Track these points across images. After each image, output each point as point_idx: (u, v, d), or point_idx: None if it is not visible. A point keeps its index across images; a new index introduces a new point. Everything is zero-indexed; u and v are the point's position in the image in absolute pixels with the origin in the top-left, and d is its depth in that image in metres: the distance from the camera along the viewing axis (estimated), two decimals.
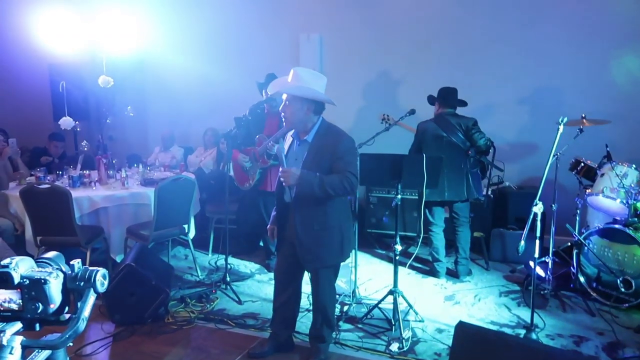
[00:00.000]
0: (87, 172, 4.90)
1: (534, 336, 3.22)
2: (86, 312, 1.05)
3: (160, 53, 6.41)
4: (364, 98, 5.86)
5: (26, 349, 1.00)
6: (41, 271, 1.06)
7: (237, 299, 4.01)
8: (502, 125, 5.32)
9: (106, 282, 1.09)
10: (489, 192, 4.97)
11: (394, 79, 5.63)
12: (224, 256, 4.35)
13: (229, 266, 4.38)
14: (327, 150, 2.80)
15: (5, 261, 1.05)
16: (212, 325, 3.59)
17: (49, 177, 4.83)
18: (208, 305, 3.90)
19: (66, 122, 4.95)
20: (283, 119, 2.91)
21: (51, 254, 1.16)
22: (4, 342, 0.97)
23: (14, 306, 1.04)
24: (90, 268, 1.08)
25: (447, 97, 4.30)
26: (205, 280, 4.48)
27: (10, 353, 0.97)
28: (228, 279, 4.21)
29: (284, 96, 2.88)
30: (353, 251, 3.87)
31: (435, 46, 5.55)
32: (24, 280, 1.02)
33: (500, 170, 4.67)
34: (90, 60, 5.41)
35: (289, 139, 3.03)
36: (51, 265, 1.13)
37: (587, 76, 5.03)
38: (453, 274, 4.48)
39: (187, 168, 5.81)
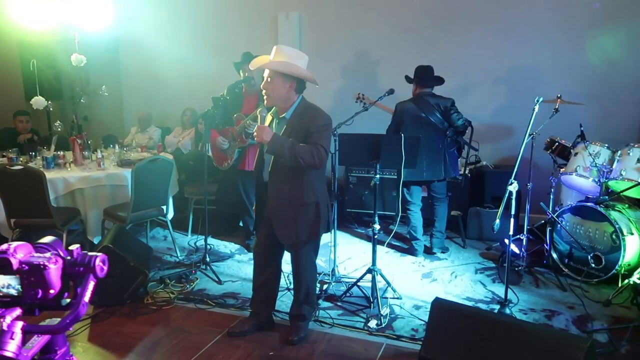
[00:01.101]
0: (62, 153, 4.80)
1: (507, 311, 3.31)
2: (86, 297, 1.05)
3: (136, 31, 6.26)
4: (343, 77, 5.84)
5: (26, 334, 1.00)
6: (40, 257, 1.05)
7: (217, 279, 4.02)
8: (479, 105, 5.38)
9: (106, 268, 1.09)
10: (466, 172, 5.04)
11: (373, 58, 5.61)
12: (203, 237, 4.34)
13: (208, 247, 4.38)
14: (303, 126, 2.81)
15: (3, 247, 1.04)
16: (192, 306, 3.59)
17: (21, 159, 4.72)
18: (188, 286, 3.90)
19: (38, 101, 4.82)
20: (264, 96, 2.89)
21: (48, 239, 1.15)
22: (4, 327, 0.97)
23: (13, 292, 1.04)
24: (90, 253, 1.07)
25: (423, 77, 4.32)
26: (185, 261, 4.47)
27: (11, 338, 0.96)
28: (208, 259, 4.21)
29: (266, 73, 2.86)
30: (332, 230, 3.92)
31: (414, 26, 5.54)
32: (23, 265, 1.01)
33: (475, 150, 4.73)
34: (63, 37, 5.24)
35: (268, 117, 3.02)
36: (50, 251, 1.11)
37: (564, 57, 5.09)
38: (429, 251, 4.57)
39: (164, 149, 5.74)
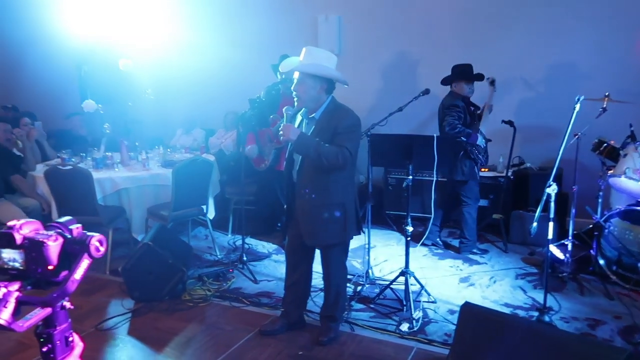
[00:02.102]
0: (110, 154, 5.03)
1: (547, 319, 3.18)
2: (77, 274, 1.10)
3: (180, 35, 6.46)
4: (382, 79, 5.80)
5: (22, 305, 1.06)
6: (42, 234, 1.11)
7: (252, 278, 4.09)
8: (522, 105, 5.20)
9: (102, 248, 1.13)
10: (509, 174, 4.88)
11: (412, 58, 5.54)
12: (242, 236, 4.43)
13: (247, 246, 4.46)
14: (330, 127, 2.81)
15: (12, 222, 1.11)
16: (227, 304, 3.67)
17: (73, 159, 4.97)
18: (224, 284, 3.99)
19: (89, 104, 5.08)
20: (295, 98, 2.92)
21: (64, 218, 1.20)
22: (0, 296, 1.04)
23: (18, 265, 1.10)
24: (88, 233, 1.12)
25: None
26: (223, 260, 4.57)
27: (4, 307, 1.02)
28: (245, 258, 4.29)
29: (296, 75, 2.89)
30: (367, 231, 3.90)
31: (454, 25, 5.42)
32: (25, 241, 1.08)
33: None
34: (113, 44, 5.50)
35: (298, 117, 3.05)
36: (56, 229, 1.17)
37: (612, 54, 4.83)
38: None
39: (207, 150, 5.89)
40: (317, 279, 3.45)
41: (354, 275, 4.00)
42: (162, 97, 6.43)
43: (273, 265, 4.45)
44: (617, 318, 3.33)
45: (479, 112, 4.57)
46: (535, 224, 2.98)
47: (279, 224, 5.29)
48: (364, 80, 5.68)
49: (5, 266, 1.13)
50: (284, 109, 2.93)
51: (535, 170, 5.02)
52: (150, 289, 3.68)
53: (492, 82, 4.60)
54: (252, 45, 6.27)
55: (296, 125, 2.98)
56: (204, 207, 4.68)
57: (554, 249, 4.03)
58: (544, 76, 5.16)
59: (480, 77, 4.40)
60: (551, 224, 3.10)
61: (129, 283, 3.73)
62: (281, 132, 2.80)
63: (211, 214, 4.87)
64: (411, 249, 3.63)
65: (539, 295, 3.70)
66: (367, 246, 4.00)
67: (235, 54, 6.30)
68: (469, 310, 2.50)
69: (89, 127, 6.05)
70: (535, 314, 3.34)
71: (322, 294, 3.67)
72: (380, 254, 4.59)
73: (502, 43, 5.23)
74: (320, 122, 2.88)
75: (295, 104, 2.92)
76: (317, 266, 3.26)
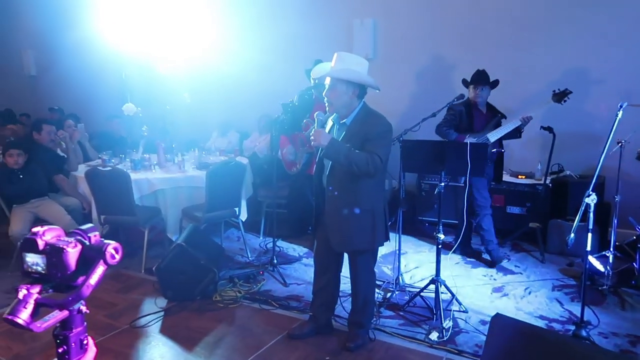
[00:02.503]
0: (148, 155, 5.17)
1: (584, 333, 3.06)
2: (92, 279, 1.14)
3: (216, 41, 6.57)
4: (416, 83, 5.73)
5: (40, 306, 1.11)
6: (63, 240, 1.16)
7: (282, 281, 4.11)
8: (562, 110, 5.01)
9: (118, 256, 1.18)
10: (547, 181, 4.73)
11: (447, 63, 5.45)
12: (273, 239, 4.46)
13: (278, 249, 4.49)
14: (361, 133, 2.80)
15: (36, 229, 1.17)
16: (257, 306, 3.71)
17: (112, 160, 5.14)
18: (255, 286, 4.03)
19: (129, 108, 5.24)
20: (326, 104, 2.92)
21: (86, 226, 1.26)
22: (20, 297, 1.10)
23: (40, 269, 1.16)
24: (105, 241, 1.17)
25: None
26: (254, 262, 4.62)
27: (24, 307, 1.08)
28: (275, 261, 4.32)
29: (327, 80, 2.89)
30: (397, 238, 3.86)
31: (491, 29, 5.30)
32: (47, 247, 1.13)
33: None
34: (153, 49, 5.66)
35: (329, 122, 3.05)
36: (76, 235, 1.22)
37: None
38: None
39: (241, 153, 5.97)
40: (346, 284, 3.43)
41: (383, 282, 3.96)
42: (198, 101, 6.57)
43: (303, 269, 4.46)
44: None
45: (496, 119, 4.30)
46: (572, 234, 2.88)
47: (309, 228, 5.30)
48: (398, 85, 5.63)
49: (29, 270, 1.19)
50: (315, 114, 2.94)
51: (575, 178, 4.85)
52: (183, 288, 3.75)
53: (556, 95, 4.24)
54: (287, 50, 6.33)
55: (327, 130, 2.98)
56: (237, 209, 4.74)
57: (593, 261, 3.88)
58: (585, 81, 4.98)
59: (477, 80, 4.23)
60: (590, 235, 2.98)
61: (162, 282, 3.81)
62: (312, 137, 2.80)
63: (243, 216, 4.94)
64: (443, 257, 3.57)
65: (576, 309, 3.56)
66: (397, 252, 3.95)
67: (270, 59, 6.37)
68: (499, 322, 2.42)
69: (128, 130, 6.24)
70: (572, 328, 3.21)
71: (350, 299, 3.68)
72: (412, 261, 4.54)
73: (541, 48, 5.08)
74: (351, 128, 2.87)
75: (327, 109, 2.92)
76: (345, 271, 3.26)
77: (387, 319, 3.47)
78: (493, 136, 4.15)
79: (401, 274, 3.95)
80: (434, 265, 4.26)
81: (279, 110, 5.38)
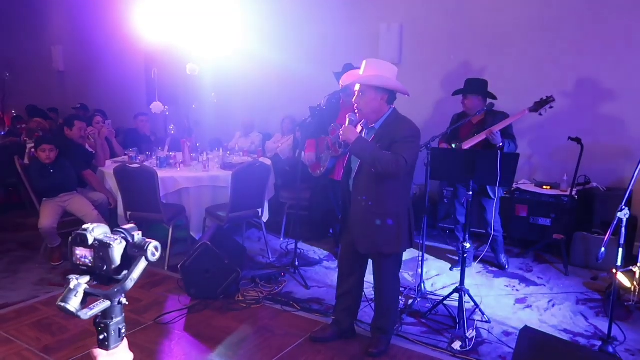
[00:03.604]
0: (173, 154, 5.24)
1: (610, 349, 3.02)
2: (135, 274, 1.25)
3: (243, 43, 6.64)
4: (443, 89, 5.71)
5: (88, 296, 1.20)
6: (110, 237, 1.25)
7: (304, 284, 4.13)
8: (591, 120, 4.97)
9: (158, 253, 1.27)
10: (573, 193, 4.68)
11: (473, 69, 5.42)
12: (294, 241, 4.49)
13: (298, 251, 4.51)
14: (389, 136, 2.82)
15: (86, 225, 1.26)
16: (279, 307, 3.73)
17: (139, 157, 5.22)
18: (276, 287, 4.06)
19: (156, 106, 5.32)
20: (356, 111, 2.94)
21: (127, 225, 1.36)
22: (72, 286, 1.19)
23: (88, 262, 1.25)
24: (147, 240, 1.25)
25: None
26: (276, 263, 4.65)
27: (75, 296, 1.17)
28: (297, 263, 4.34)
29: (357, 87, 2.91)
30: (420, 245, 3.86)
31: (517, 37, 5.26)
32: (96, 242, 1.21)
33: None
34: (182, 49, 5.74)
35: (358, 127, 3.06)
36: (120, 234, 1.31)
37: None
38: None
39: (264, 154, 6.02)
40: (369, 289, 3.44)
41: (405, 288, 3.96)
42: (223, 101, 6.63)
43: (324, 272, 4.47)
44: None
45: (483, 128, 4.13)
46: (603, 249, 2.85)
47: (330, 231, 5.33)
48: (424, 90, 5.62)
49: (78, 262, 1.28)
50: (347, 115, 2.96)
51: (602, 191, 4.78)
52: (206, 287, 3.79)
53: (536, 104, 4.05)
54: (312, 53, 6.36)
55: None
56: (260, 210, 4.78)
57: (620, 276, 3.83)
58: (613, 90, 4.91)
59: (463, 90, 4.23)
60: (620, 250, 2.95)
61: (186, 280, 3.86)
62: (341, 133, 2.84)
63: (265, 217, 4.97)
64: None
65: (601, 324, 3.53)
66: (421, 259, 3.95)
67: (294, 61, 6.41)
68: (528, 335, 2.41)
69: (154, 127, 6.33)
70: (598, 343, 3.18)
71: (373, 304, 3.69)
72: (432, 268, 4.52)
73: (572, 53, 5.02)
74: (380, 131, 2.89)
75: (357, 115, 2.94)
76: (369, 276, 3.27)
77: (409, 325, 3.47)
78: (467, 145, 4.06)
79: (423, 281, 3.95)
80: (455, 273, 4.27)
81: (303, 112, 5.42)
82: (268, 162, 5.22)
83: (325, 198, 4.86)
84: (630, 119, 4.83)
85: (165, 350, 3.17)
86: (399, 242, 2.93)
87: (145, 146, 5.76)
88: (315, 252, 4.98)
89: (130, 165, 4.50)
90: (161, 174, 4.62)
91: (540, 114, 4.02)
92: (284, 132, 6.39)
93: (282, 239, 5.34)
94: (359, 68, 3.12)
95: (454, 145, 4.05)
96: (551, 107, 3.97)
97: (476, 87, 4.21)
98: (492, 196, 4.13)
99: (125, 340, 1.35)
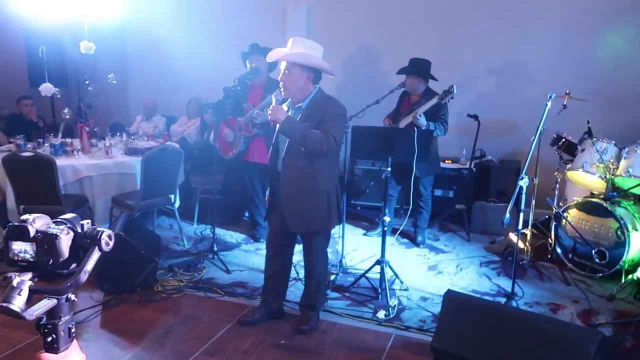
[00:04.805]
0: (69, 140, 4.80)
1: (514, 304, 3.36)
2: (88, 266, 1.16)
3: (143, 19, 6.23)
4: (351, 70, 5.85)
5: (34, 294, 1.09)
6: (55, 228, 1.16)
7: (225, 268, 4.06)
8: (484, 99, 5.41)
9: (111, 242, 1.19)
10: (471, 166, 5.08)
11: (381, 51, 5.62)
12: (209, 226, 4.37)
13: (215, 236, 4.40)
14: (317, 115, 2.85)
15: (25, 216, 1.16)
16: (202, 294, 3.63)
17: (29, 145, 4.72)
18: (196, 275, 3.94)
19: (46, 88, 4.82)
20: (281, 88, 2.91)
21: (69, 215, 1.27)
22: (14, 284, 1.10)
23: (29, 257, 1.15)
24: (98, 228, 1.17)
25: None
26: (192, 250, 4.50)
27: (19, 295, 1.08)
28: (215, 248, 4.24)
29: (283, 65, 2.89)
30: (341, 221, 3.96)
31: (422, 19, 5.54)
32: (38, 234, 1.12)
33: None
34: (70, 25, 5.23)
35: (284, 107, 3.04)
36: (65, 224, 1.22)
37: (571, 53, 5.10)
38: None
39: (170, 137, 5.74)
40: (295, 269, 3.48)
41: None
42: (123, 82, 6.19)
43: (244, 255, 4.43)
44: (575, 302, 3.57)
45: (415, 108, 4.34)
46: (507, 215, 3.13)
47: (245, 214, 5.26)
48: (334, 70, 5.70)
49: (16, 257, 1.17)
50: (273, 95, 2.92)
51: (496, 163, 5.25)
52: (122, 280, 3.57)
53: (444, 92, 4.18)
54: (218, 33, 6.15)
55: None
56: (172, 196, 4.57)
57: (514, 238, 4.25)
58: (503, 72, 5.38)
59: (404, 69, 4.41)
60: (521, 215, 3.27)
61: (97, 274, 3.59)
62: (270, 113, 2.81)
63: (177, 204, 4.78)
64: (378, 239, 3.71)
65: (503, 282, 3.91)
66: (338, 236, 4.06)
67: (199, 40, 6.16)
68: (451, 297, 2.61)
69: (41, 112, 5.74)
70: (503, 299, 3.52)
71: (297, 283, 3.74)
72: (349, 244, 4.66)
73: (470, 39, 5.40)
74: (307, 111, 2.90)
75: (282, 93, 2.92)
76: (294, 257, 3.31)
77: (334, 300, 3.57)
78: (403, 124, 4.28)
79: (344, 257, 4.07)
80: (371, 246, 4.47)
81: (210, 93, 5.24)
82: (177, 146, 4.99)
83: (239, 181, 4.78)
84: (519, 96, 5.32)
85: (83, 351, 2.94)
86: (330, 219, 2.98)
87: (34, 133, 5.21)
88: (232, 235, 4.90)
89: (22, 154, 4.05)
90: (58, 162, 4.22)
91: (444, 103, 4.21)
92: (190, 115, 6.14)
93: (195, 225, 5.17)
94: (267, 48, 3.09)
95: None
96: (452, 98, 4.18)
97: (415, 68, 4.36)
98: (419, 175, 4.37)
99: (75, 341, 1.26)
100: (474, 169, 5.15)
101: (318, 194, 2.92)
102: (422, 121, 4.11)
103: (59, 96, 5.16)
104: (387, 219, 3.55)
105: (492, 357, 2.31)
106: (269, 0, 6.00)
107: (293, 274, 3.65)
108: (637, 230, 3.82)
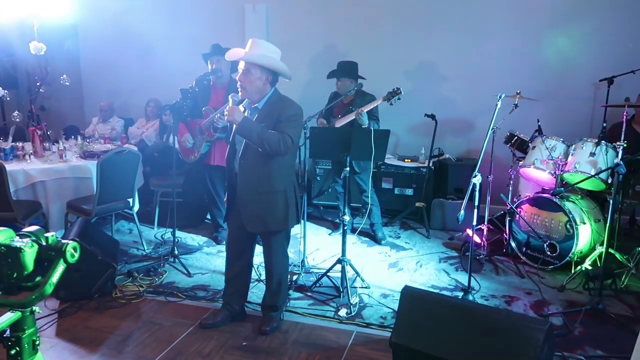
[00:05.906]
0: (20, 144, 4.64)
1: (470, 298, 3.47)
2: (54, 278, 1.15)
3: (97, 18, 6.08)
4: (310, 71, 5.88)
5: None
6: (18, 241, 1.14)
7: (186, 272, 4.01)
8: (442, 100, 5.54)
9: (77, 254, 1.17)
10: (430, 164, 5.20)
11: (340, 51, 5.67)
12: (169, 230, 4.31)
13: (176, 239, 4.35)
14: (273, 116, 2.86)
15: None
16: (162, 298, 3.58)
17: None
18: (157, 279, 3.88)
19: None
20: (239, 88, 2.90)
21: (32, 228, 1.26)
22: None
23: None
24: (63, 241, 1.16)
25: None
26: (152, 254, 4.43)
27: None
28: (176, 252, 4.19)
29: (241, 65, 2.88)
30: (302, 221, 3.98)
31: (380, 22, 5.63)
32: (2, 248, 1.10)
33: None
34: (19, 25, 5.05)
35: (240, 108, 3.03)
36: (30, 237, 1.20)
37: (522, 55, 5.29)
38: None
39: (128, 140, 5.63)
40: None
41: (289, 265, 4.06)
42: (76, 84, 6.02)
43: (205, 258, 4.39)
44: (528, 294, 3.72)
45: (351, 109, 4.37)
46: (462, 211, 3.23)
47: (207, 216, 5.22)
48: (292, 71, 5.68)
49: None
50: (230, 96, 2.91)
51: (453, 161, 5.39)
52: (78, 287, 3.48)
53: (389, 94, 4.25)
54: (176, 33, 6.07)
55: None
56: (130, 200, 4.49)
57: (471, 234, 4.38)
58: (458, 73, 5.53)
59: (333, 73, 4.52)
60: (475, 211, 3.38)
61: None
62: (226, 113, 2.81)
63: (136, 207, 4.69)
64: (338, 238, 3.74)
65: (460, 277, 4.02)
66: (300, 236, 4.08)
67: (158, 41, 6.06)
68: (408, 294, 2.67)
69: None
70: (460, 293, 3.63)
71: (258, 284, 3.74)
72: (311, 243, 4.70)
73: (426, 41, 5.53)
74: (263, 111, 2.91)
75: (239, 94, 2.91)
76: (255, 258, 3.30)
77: (296, 300, 3.59)
78: (339, 124, 4.33)
79: (306, 257, 4.09)
80: (333, 246, 4.51)
81: (168, 95, 5.16)
82: (135, 148, 4.90)
83: (200, 183, 4.74)
84: (472, 96, 5.47)
85: None
86: (287, 219, 2.99)
87: None
88: (194, 238, 4.85)
89: None
90: (9, 167, 4.08)
91: (391, 104, 4.28)
92: (148, 117, 6.04)
93: (155, 229, 5.09)
94: (228, 49, 3.08)
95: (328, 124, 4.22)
96: (399, 99, 4.25)
97: (346, 70, 4.42)
98: (357, 170, 4.47)
99: (40, 353, 1.24)
100: (433, 168, 5.27)
101: (275, 194, 2.93)
102: (365, 120, 4.20)
103: (8, 99, 4.97)
104: (346, 217, 3.59)
105: (448, 350, 2.38)
106: (227, 1, 5.95)
107: (254, 275, 3.65)
108: (584, 223, 4.01)
